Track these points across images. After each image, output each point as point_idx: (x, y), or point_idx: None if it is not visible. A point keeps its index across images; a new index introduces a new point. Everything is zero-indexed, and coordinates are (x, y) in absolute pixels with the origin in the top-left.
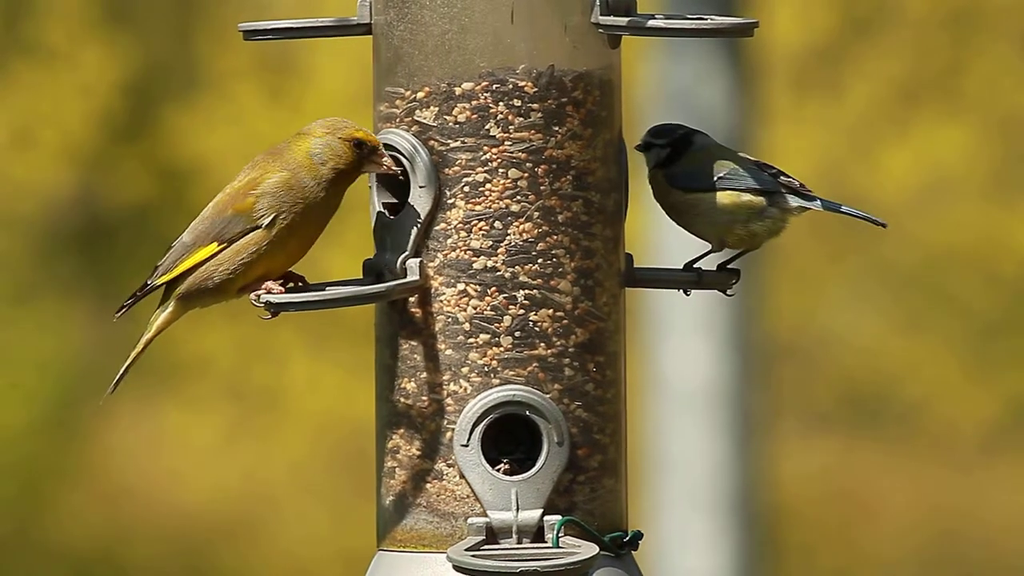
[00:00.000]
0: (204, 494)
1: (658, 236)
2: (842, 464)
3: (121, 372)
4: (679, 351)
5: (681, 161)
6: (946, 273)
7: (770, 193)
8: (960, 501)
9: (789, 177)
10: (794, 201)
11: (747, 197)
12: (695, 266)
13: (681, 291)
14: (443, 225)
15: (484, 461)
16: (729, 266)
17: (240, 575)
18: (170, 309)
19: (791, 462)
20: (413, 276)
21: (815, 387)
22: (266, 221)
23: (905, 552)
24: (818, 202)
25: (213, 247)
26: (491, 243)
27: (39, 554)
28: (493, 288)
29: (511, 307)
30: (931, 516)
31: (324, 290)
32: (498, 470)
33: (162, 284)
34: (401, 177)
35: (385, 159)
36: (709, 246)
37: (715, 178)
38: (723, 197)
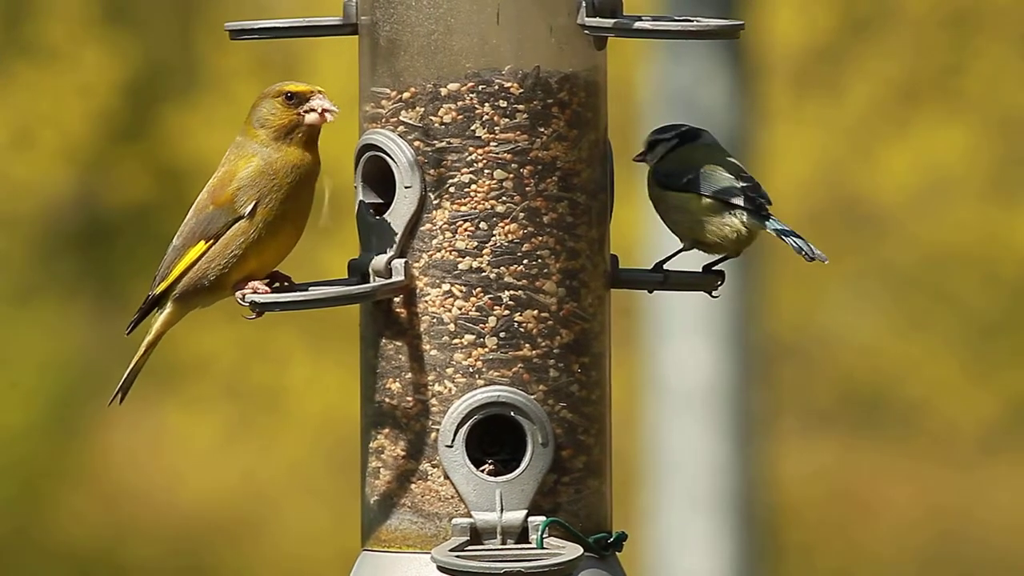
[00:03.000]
0: (204, 494)
1: (647, 236)
2: (842, 464)
3: (124, 378)
4: (679, 351)
5: (669, 157)
6: (946, 273)
7: (726, 203)
8: (960, 501)
9: (759, 193)
10: (746, 216)
11: (706, 201)
12: (664, 267)
13: (647, 291)
14: (428, 226)
15: (468, 462)
16: (714, 268)
17: (240, 575)
18: (168, 311)
19: (791, 462)
20: (398, 276)
21: (815, 387)
22: (247, 210)
23: (905, 552)
24: (772, 223)
25: (201, 246)
26: (476, 244)
27: (39, 554)
28: (478, 289)
29: (496, 308)
30: (931, 516)
31: (308, 290)
32: (482, 471)
33: (161, 292)
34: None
35: (320, 105)
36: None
37: (686, 179)
38: (683, 198)
